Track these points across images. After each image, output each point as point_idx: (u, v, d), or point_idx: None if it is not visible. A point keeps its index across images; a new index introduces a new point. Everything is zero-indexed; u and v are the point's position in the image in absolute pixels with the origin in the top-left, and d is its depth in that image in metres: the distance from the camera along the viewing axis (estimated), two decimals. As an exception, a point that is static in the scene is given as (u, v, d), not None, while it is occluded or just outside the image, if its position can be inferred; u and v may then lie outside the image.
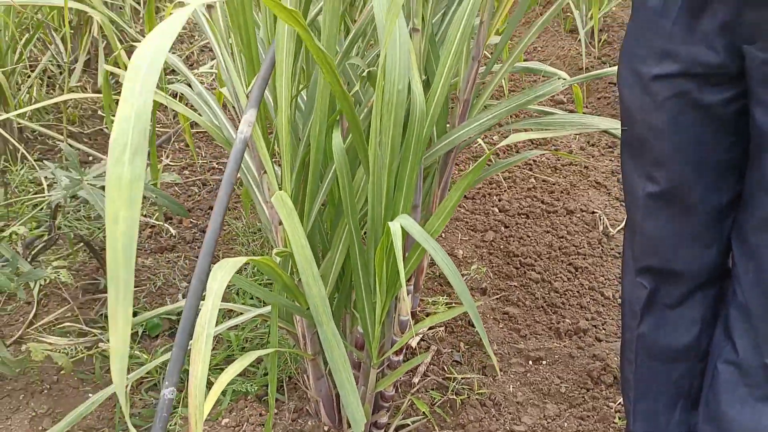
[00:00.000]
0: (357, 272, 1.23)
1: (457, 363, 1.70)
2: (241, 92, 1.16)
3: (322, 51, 0.87)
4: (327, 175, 1.24)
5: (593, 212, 2.33)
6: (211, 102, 1.34)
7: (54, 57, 2.95)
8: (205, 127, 1.29)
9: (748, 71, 0.90)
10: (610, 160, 2.68)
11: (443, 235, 2.18)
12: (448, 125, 1.32)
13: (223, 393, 1.54)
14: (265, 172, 1.22)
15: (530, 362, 1.73)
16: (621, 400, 1.58)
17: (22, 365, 1.48)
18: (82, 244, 1.79)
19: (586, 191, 2.47)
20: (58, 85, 3.00)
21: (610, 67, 3.40)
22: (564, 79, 1.42)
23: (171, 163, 2.57)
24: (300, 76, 1.24)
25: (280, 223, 1.26)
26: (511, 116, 2.34)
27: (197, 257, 2.04)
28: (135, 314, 1.75)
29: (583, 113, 2.14)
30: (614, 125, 1.41)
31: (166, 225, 2.16)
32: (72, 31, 3.06)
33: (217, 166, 2.60)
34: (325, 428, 1.44)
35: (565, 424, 1.55)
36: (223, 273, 0.90)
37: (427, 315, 1.82)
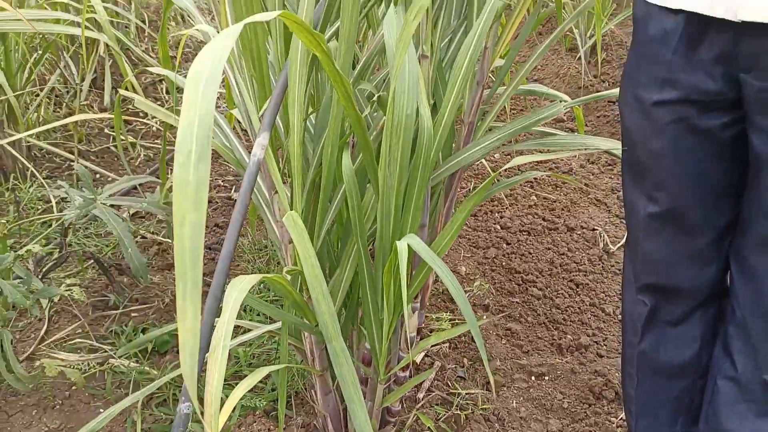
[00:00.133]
0: (365, 290, 1.26)
1: (461, 378, 1.73)
2: (254, 115, 1.20)
3: (340, 76, 0.91)
4: (336, 196, 1.27)
5: (593, 229, 2.37)
6: (223, 124, 1.38)
7: (62, 75, 2.99)
8: (218, 149, 1.33)
9: (745, 98, 0.94)
10: (610, 177, 2.72)
11: (446, 251, 2.21)
12: (453, 146, 1.36)
13: (233, 408, 1.56)
14: (276, 192, 1.25)
15: (533, 378, 1.75)
16: (623, 415, 1.60)
17: (35, 381, 1.50)
18: (92, 261, 1.82)
19: (587, 208, 2.51)
20: (65, 104, 3.04)
21: (608, 84, 3.45)
22: (565, 101, 1.46)
23: (177, 181, 2.61)
24: (308, 101, 1.28)
25: (290, 242, 1.29)
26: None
27: (204, 274, 2.08)
28: (144, 331, 1.78)
29: (584, 131, 2.18)
30: (614, 146, 1.44)
31: (173, 242, 2.19)
32: (80, 53, 3.11)
33: (222, 183, 2.64)
34: (333, 443, 1.47)
35: (568, 439, 1.57)
36: (238, 290, 0.93)
37: (431, 331, 1.85)
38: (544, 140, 1.40)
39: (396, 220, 1.18)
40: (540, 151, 2.75)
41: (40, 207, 2.34)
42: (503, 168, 1.16)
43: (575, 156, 2.80)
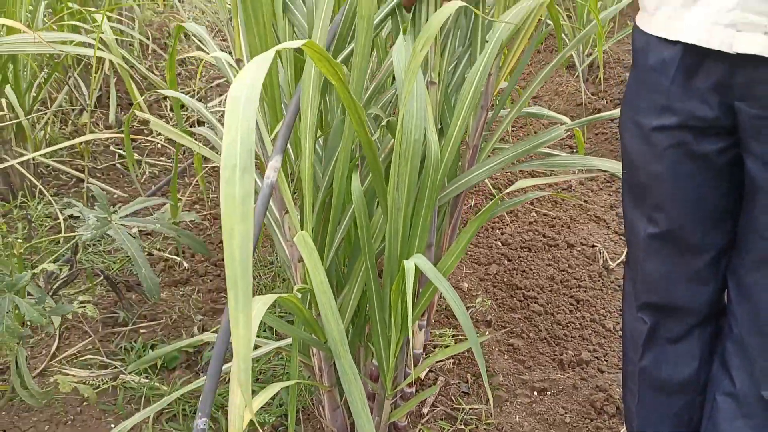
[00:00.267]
0: (373, 308, 1.29)
1: (465, 394, 1.76)
2: (267, 138, 1.24)
3: (355, 103, 0.95)
4: (345, 216, 1.31)
5: (593, 246, 2.40)
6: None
7: (71, 92, 3.03)
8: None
9: (740, 125, 0.98)
10: (608, 194, 2.76)
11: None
12: (458, 168, 1.40)
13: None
14: (287, 212, 1.29)
15: (535, 393, 1.79)
16: (624, 430, 1.64)
17: (48, 397, 1.53)
18: (101, 278, 1.85)
19: (586, 225, 2.55)
20: (71, 121, 3.09)
21: (606, 102, 3.50)
22: (566, 123, 1.50)
23: (182, 198, 2.65)
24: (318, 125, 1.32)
25: (300, 261, 1.33)
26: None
27: (210, 291, 2.11)
28: (153, 347, 1.81)
29: (583, 148, 2.23)
30: (613, 166, 1.49)
31: (179, 258, 2.22)
32: (86, 71, 3.16)
33: (227, 200, 2.67)
34: (340, 457, 1.49)
35: (571, 454, 1.60)
36: (256, 309, 0.96)
37: (435, 347, 1.89)
38: (546, 161, 1.45)
39: (404, 240, 1.21)
40: (542, 172, 2.80)
41: (47, 224, 2.38)
42: (508, 190, 1.20)
43: (574, 171, 2.84)
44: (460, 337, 1.94)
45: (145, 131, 3.21)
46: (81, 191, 2.65)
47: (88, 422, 1.58)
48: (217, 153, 1.54)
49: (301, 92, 1.16)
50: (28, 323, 1.56)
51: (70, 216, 2.33)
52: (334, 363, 1.40)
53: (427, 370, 1.82)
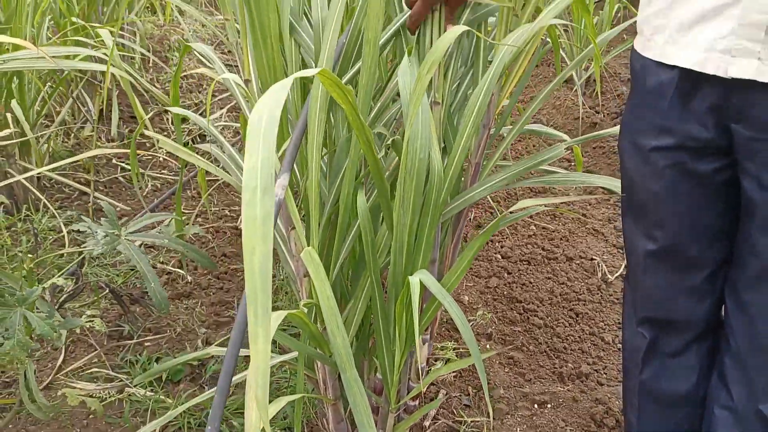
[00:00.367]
0: (378, 322, 1.31)
1: (466, 407, 1.78)
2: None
3: (363, 125, 0.98)
4: (350, 232, 1.33)
5: (592, 259, 2.43)
6: (242, 163, 1.44)
7: (74, 104, 3.06)
8: (239, 187, 1.39)
9: (735, 146, 1.02)
10: (606, 207, 2.80)
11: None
12: (461, 185, 1.43)
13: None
14: (293, 228, 1.32)
15: (536, 405, 1.81)
16: (623, 442, 1.66)
17: (55, 410, 1.55)
18: (107, 291, 1.87)
19: (585, 238, 2.58)
20: (73, 134, 3.11)
21: (603, 116, 3.54)
22: (565, 140, 1.53)
23: (184, 211, 2.67)
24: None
25: (305, 276, 1.35)
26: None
27: (213, 304, 2.13)
28: (158, 360, 1.83)
29: (582, 162, 2.26)
30: (612, 183, 1.51)
31: (182, 272, 2.24)
32: (88, 85, 3.19)
33: (229, 213, 2.70)
34: (344, 470, 1.51)
35: (571, 466, 1.62)
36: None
37: (436, 360, 1.91)
38: (546, 178, 1.47)
39: (408, 255, 1.24)
40: (542, 189, 2.83)
41: (51, 237, 2.40)
42: (510, 210, 1.23)
43: (573, 187, 2.88)
44: (461, 349, 1.96)
45: (147, 144, 3.24)
46: (84, 204, 2.68)
47: (94, 435, 1.60)
48: (219, 167, 1.57)
49: (309, 112, 1.19)
50: (35, 337, 1.58)
51: (74, 229, 2.35)
52: (339, 376, 1.42)
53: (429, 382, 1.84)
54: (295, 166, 1.38)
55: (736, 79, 0.95)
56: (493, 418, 1.74)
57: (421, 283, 1.15)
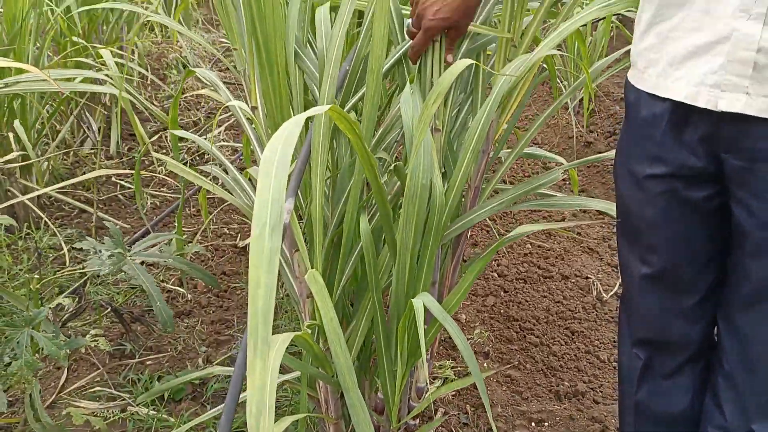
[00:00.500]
0: (380, 343, 1.34)
1: (464, 425, 1.80)
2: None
3: (367, 153, 1.01)
4: (353, 254, 1.37)
5: (587, 277, 2.47)
6: (245, 185, 1.48)
7: (74, 122, 3.09)
8: (243, 209, 1.42)
9: (726, 175, 1.06)
10: (601, 227, 2.84)
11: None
12: (460, 209, 1.46)
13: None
14: (297, 250, 1.35)
15: (533, 424, 1.83)
16: (619, 460, 1.68)
17: (59, 429, 1.57)
18: (109, 309, 1.89)
19: (580, 257, 2.62)
20: (72, 152, 3.14)
21: (597, 135, 3.60)
22: (562, 164, 1.57)
23: (183, 230, 2.70)
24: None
25: (308, 297, 1.38)
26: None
27: (213, 322, 2.16)
28: (159, 379, 1.85)
29: (577, 182, 2.30)
30: (608, 206, 1.55)
31: (182, 290, 2.27)
32: (89, 105, 3.22)
33: (227, 231, 2.73)
34: (345, 489, 1.53)
35: (568, 484, 1.65)
36: (276, 350, 1.01)
37: (434, 378, 1.93)
38: (543, 201, 1.51)
39: (411, 277, 1.27)
40: (539, 212, 2.88)
41: (51, 255, 2.42)
42: (509, 235, 1.26)
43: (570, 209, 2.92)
44: (459, 368, 1.99)
45: (146, 161, 3.27)
46: (84, 222, 2.70)
47: (97, 454, 1.62)
48: (219, 185, 1.59)
49: (312, 139, 1.22)
50: (39, 356, 1.60)
51: (74, 247, 2.38)
52: (341, 396, 1.45)
53: (427, 401, 1.86)
54: (299, 190, 1.41)
55: (726, 112, 0.99)
56: (491, 437, 1.77)
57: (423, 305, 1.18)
